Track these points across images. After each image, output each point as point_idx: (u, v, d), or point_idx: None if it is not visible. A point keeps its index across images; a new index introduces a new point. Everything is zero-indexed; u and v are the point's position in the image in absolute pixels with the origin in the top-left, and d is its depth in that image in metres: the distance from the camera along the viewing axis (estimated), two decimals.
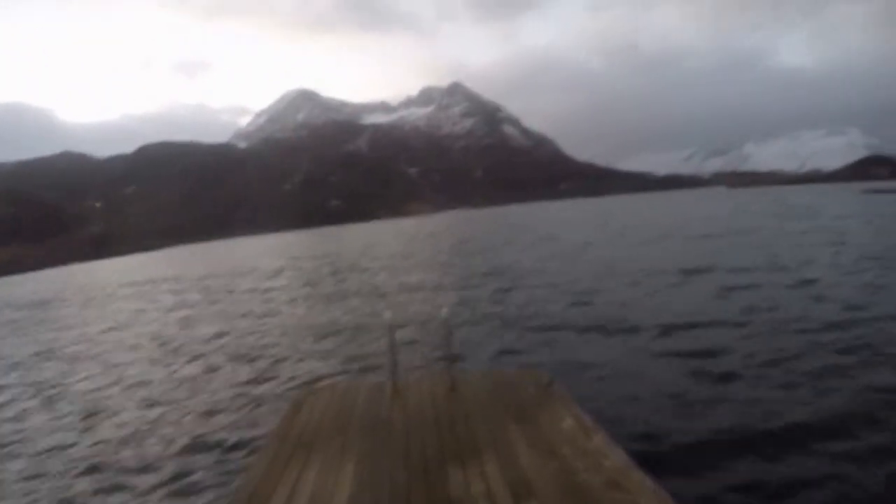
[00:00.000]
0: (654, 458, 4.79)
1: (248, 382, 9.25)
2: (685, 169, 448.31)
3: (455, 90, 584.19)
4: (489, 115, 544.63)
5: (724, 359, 7.82)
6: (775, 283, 13.15)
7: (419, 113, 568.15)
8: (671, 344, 8.83)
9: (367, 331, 12.06)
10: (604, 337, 9.67)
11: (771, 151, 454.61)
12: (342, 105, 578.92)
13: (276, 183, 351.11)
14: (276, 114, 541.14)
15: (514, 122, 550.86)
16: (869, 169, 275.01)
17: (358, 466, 3.93)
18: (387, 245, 47.63)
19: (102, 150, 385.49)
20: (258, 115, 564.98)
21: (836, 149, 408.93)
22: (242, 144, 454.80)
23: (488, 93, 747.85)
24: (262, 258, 48.76)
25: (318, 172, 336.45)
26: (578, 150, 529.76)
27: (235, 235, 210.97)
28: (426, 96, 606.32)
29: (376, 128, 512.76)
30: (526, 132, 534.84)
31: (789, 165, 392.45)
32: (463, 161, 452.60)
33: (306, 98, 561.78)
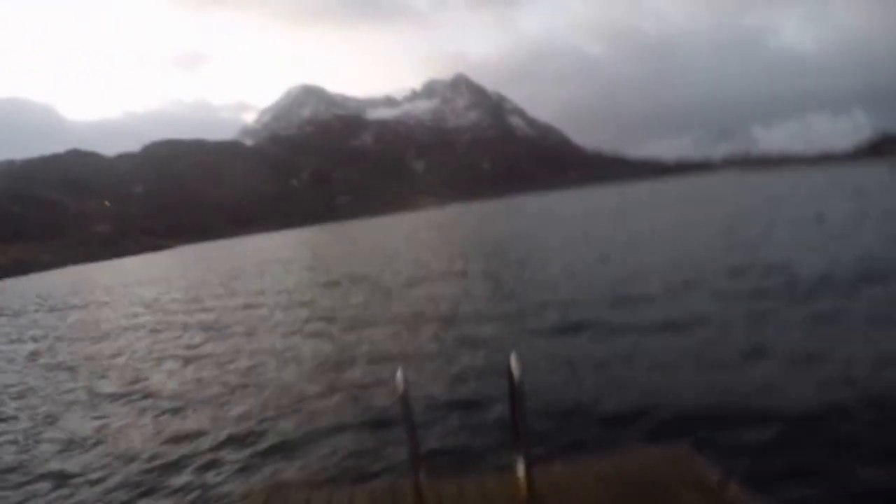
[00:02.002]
0: None
1: None
2: (694, 154, 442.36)
3: (458, 82, 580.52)
4: (494, 107, 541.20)
5: None
6: None
7: (424, 106, 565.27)
8: None
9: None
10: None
11: (779, 134, 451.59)
12: (346, 100, 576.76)
13: (283, 180, 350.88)
14: (282, 110, 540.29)
15: (520, 112, 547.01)
16: (882, 148, 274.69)
17: None
18: (401, 246, 41.94)
19: (108, 148, 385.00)
20: (263, 112, 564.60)
21: (842, 130, 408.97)
22: (249, 142, 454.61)
23: (491, 83, 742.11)
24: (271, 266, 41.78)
25: (325, 168, 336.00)
26: (585, 137, 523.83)
27: (244, 234, 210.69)
28: (430, 89, 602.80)
29: (382, 122, 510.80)
30: (531, 122, 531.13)
31: (798, 147, 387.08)
32: (469, 154, 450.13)
33: (311, 94, 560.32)
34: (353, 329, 12.85)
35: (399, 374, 3.21)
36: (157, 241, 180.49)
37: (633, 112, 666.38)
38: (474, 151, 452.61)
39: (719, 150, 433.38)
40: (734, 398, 6.15)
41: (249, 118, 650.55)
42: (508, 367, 2.99)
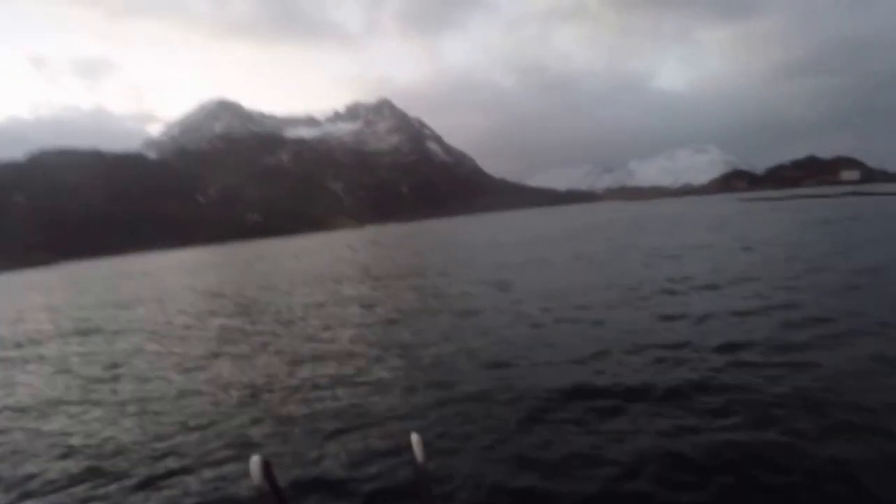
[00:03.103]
0: None
1: None
2: (583, 184, 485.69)
3: (382, 106, 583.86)
4: (414, 132, 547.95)
5: None
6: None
7: (346, 128, 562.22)
8: None
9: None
10: None
11: (651, 168, 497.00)
12: (265, 117, 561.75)
13: (190, 196, 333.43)
14: (193, 123, 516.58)
15: (438, 138, 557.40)
16: (731, 182, 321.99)
17: None
18: (295, 268, 34.64)
19: None
20: (172, 124, 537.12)
21: (702, 165, 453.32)
22: (153, 154, 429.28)
23: (414, 109, 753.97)
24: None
25: (236, 185, 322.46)
26: (494, 166, 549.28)
27: (141, 251, 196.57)
28: (354, 112, 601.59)
29: (301, 142, 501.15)
30: (448, 149, 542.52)
31: (667, 180, 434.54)
32: (389, 177, 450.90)
33: (226, 109, 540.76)
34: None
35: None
36: (36, 256, 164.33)
37: (537, 143, 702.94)
38: (393, 174, 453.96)
39: (603, 182, 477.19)
40: None
41: (156, 130, 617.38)
42: (411, 447, 2.40)
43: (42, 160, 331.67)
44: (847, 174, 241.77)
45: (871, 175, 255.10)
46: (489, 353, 8.41)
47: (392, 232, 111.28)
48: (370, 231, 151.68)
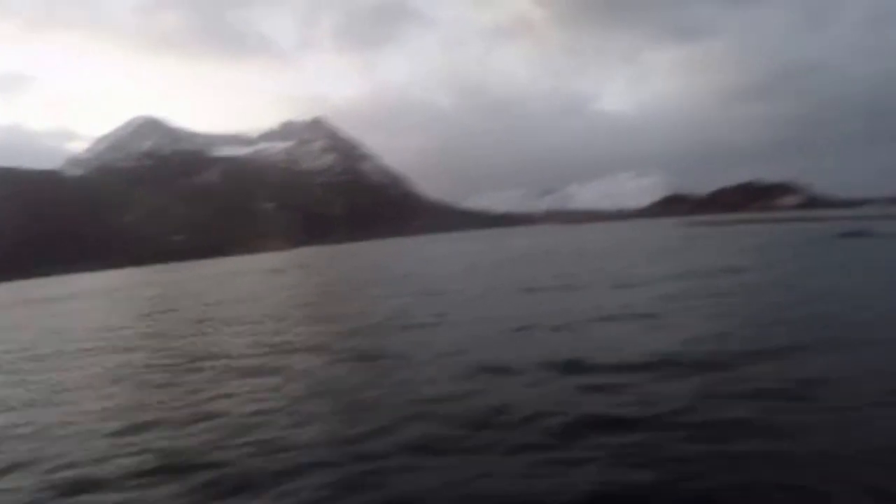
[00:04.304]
0: None
1: None
2: (520, 207, 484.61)
3: (317, 125, 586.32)
4: (349, 152, 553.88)
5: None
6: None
7: (279, 147, 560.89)
8: None
9: None
10: None
11: (591, 191, 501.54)
12: (194, 135, 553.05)
13: (115, 215, 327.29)
14: (119, 141, 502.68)
15: (372, 159, 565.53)
16: (671, 205, 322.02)
17: None
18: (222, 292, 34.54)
19: None
20: (98, 141, 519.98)
21: (643, 188, 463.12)
22: (76, 172, 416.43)
23: (349, 129, 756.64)
24: None
25: (163, 205, 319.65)
26: (430, 187, 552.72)
27: (63, 272, 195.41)
28: (287, 130, 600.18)
29: (231, 160, 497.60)
30: (383, 170, 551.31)
31: (606, 204, 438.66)
32: (322, 197, 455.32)
33: (153, 126, 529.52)
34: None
35: None
36: None
37: (474, 165, 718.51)
38: (327, 195, 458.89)
39: (542, 204, 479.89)
40: None
41: (79, 147, 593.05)
42: None
43: None
44: (787, 199, 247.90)
45: (813, 201, 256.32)
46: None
47: (319, 255, 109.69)
48: (297, 254, 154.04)
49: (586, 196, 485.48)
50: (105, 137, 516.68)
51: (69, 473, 6.23)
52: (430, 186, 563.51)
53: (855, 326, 10.16)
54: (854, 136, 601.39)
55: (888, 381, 7.09)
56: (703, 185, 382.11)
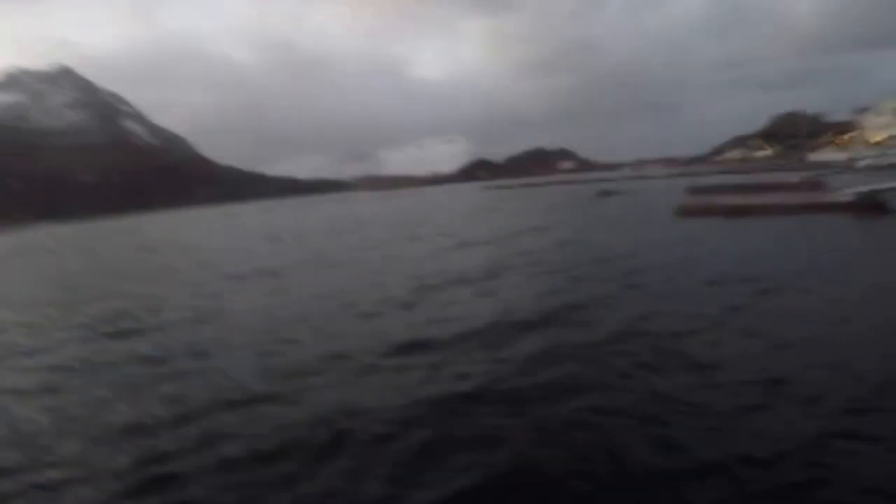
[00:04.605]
0: None
1: None
2: (329, 173, 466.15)
3: (60, 76, 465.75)
4: (106, 109, 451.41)
5: None
6: None
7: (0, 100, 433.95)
8: None
9: None
10: None
11: (402, 156, 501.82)
12: None
13: None
14: None
15: (140, 117, 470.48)
16: (474, 171, 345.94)
17: None
18: None
19: None
20: None
21: (449, 154, 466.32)
22: None
23: (109, 81, 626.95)
24: None
25: None
26: (219, 152, 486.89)
27: None
28: (14, 80, 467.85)
29: None
30: (155, 130, 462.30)
31: (417, 169, 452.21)
32: (64, 163, 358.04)
33: None
34: None
35: None
36: None
37: (276, 128, 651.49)
38: (70, 161, 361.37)
39: (352, 170, 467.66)
40: None
41: None
42: None
43: None
44: (565, 164, 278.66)
45: (584, 164, 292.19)
46: None
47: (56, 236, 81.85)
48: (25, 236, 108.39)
49: (397, 161, 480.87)
50: None
51: None
52: (222, 151, 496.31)
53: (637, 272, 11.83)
54: (615, 109, 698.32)
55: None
56: (501, 151, 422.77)
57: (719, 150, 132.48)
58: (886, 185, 18.67)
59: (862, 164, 47.03)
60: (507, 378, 6.13)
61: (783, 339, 6.75)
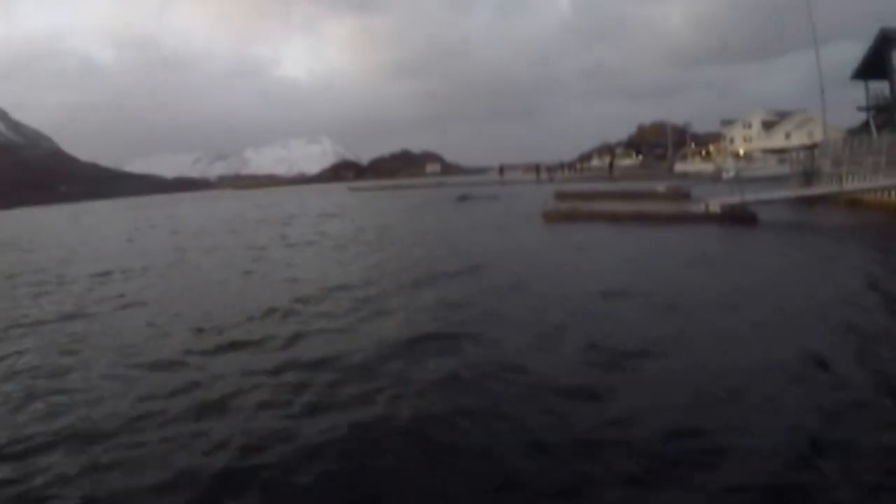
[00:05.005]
0: None
1: None
2: (193, 172, 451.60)
3: None
4: None
5: None
6: None
7: None
8: None
9: None
10: None
11: (267, 156, 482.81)
12: None
13: None
14: None
15: (2, 113, 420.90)
16: (340, 171, 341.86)
17: None
18: None
19: None
20: None
21: (315, 155, 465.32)
22: None
23: None
24: None
25: None
26: (82, 149, 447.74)
27: None
28: None
29: None
30: (16, 127, 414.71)
31: (281, 169, 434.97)
32: None
33: None
34: None
35: None
36: None
37: (140, 127, 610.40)
38: None
39: (217, 170, 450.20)
40: None
41: None
42: None
43: None
44: (431, 167, 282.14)
45: (447, 168, 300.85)
46: None
47: None
48: None
49: (262, 161, 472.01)
50: None
51: None
52: (85, 149, 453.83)
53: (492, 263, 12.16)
54: (482, 113, 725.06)
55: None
56: (365, 152, 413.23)
57: (586, 157, 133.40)
58: (753, 196, 19.09)
59: (728, 175, 46.24)
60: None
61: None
